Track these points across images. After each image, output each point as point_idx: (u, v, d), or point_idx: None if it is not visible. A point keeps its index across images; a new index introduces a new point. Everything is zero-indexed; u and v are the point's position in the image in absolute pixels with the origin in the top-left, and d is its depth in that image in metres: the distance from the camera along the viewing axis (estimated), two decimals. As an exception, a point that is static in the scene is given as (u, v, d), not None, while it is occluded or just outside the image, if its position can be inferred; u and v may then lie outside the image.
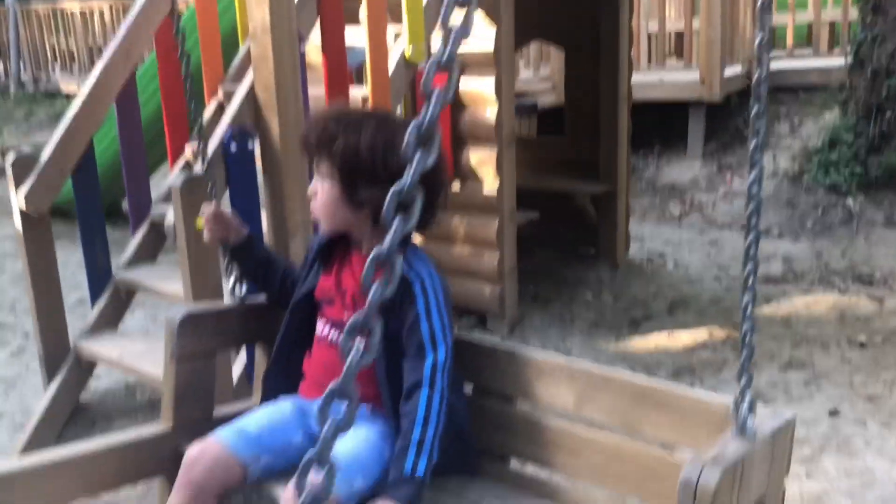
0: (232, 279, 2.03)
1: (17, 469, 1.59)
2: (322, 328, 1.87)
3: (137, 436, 1.87)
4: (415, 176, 0.86)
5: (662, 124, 7.37)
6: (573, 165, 5.07)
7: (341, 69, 3.02)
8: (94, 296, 3.48)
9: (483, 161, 3.82)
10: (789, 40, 7.98)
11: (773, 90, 7.58)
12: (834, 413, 3.26)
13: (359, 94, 3.22)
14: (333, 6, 2.96)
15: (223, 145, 2.73)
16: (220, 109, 3.74)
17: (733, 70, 7.20)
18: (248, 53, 3.83)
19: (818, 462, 2.91)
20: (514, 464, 1.88)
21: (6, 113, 11.59)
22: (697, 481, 1.21)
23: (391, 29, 3.34)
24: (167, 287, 3.32)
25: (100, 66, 3.40)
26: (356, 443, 1.69)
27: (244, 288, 2.04)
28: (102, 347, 3.33)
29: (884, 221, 5.66)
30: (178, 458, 1.85)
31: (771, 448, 1.39)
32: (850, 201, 5.81)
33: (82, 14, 11.50)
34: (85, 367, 3.42)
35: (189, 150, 2.38)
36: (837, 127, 6.22)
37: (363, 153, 1.71)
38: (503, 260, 3.92)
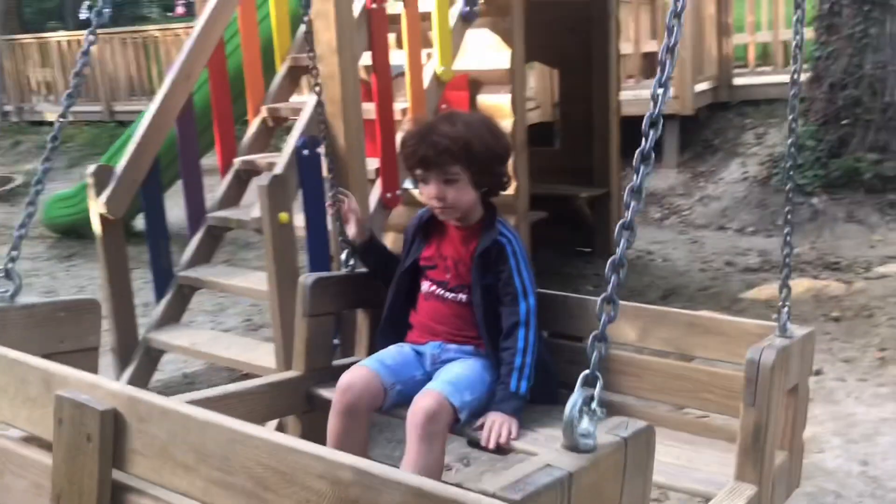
0: (345, 253, 2.45)
1: (174, 408, 1.83)
2: (428, 287, 2.27)
3: (278, 379, 2.26)
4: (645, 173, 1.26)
5: (638, 137, 7.92)
6: (566, 173, 5.59)
7: (388, 85, 3.48)
8: (160, 293, 3.84)
9: (501, 166, 4.30)
10: (751, 58, 8.64)
11: (738, 104, 8.24)
12: (818, 373, 3.77)
13: (399, 107, 3.68)
14: (381, 31, 3.43)
15: (296, 151, 3.16)
16: (265, 126, 4.18)
17: (702, 86, 7.81)
18: (285, 74, 4.29)
19: (808, 411, 3.41)
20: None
21: (-6, 143, 11.83)
22: (759, 358, 1.64)
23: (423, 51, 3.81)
24: (227, 282, 3.72)
25: (163, 89, 3.80)
26: (464, 368, 2.12)
27: (352, 262, 2.45)
28: (171, 338, 3.70)
29: (845, 217, 6.25)
30: (307, 398, 2.25)
31: (802, 346, 1.83)
32: (814, 200, 6.40)
33: (69, 43, 11.83)
34: (154, 356, 3.78)
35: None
36: (801, 134, 6.83)
37: (485, 149, 2.14)
38: (519, 254, 4.40)
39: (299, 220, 3.20)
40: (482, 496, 0.88)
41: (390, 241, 3.73)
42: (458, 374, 2.10)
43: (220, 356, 3.53)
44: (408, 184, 3.89)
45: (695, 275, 5.42)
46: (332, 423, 2.10)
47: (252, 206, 3.46)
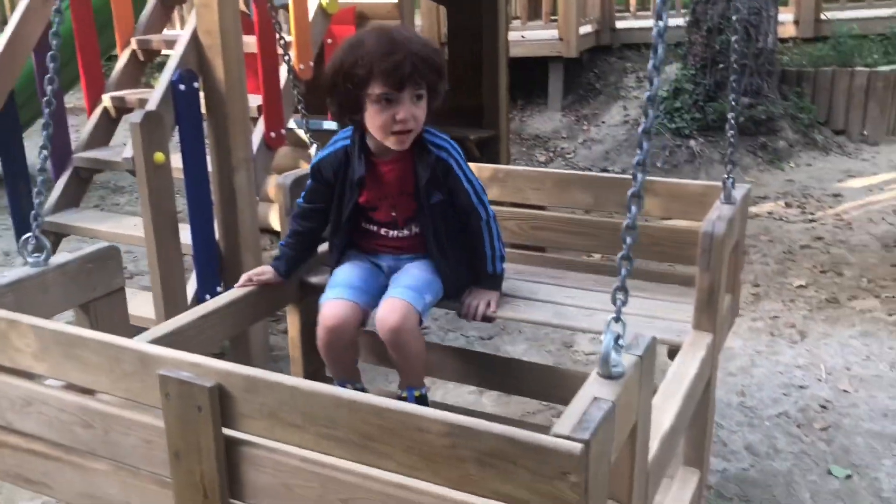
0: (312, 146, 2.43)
1: (179, 325, 1.92)
2: (376, 229, 2.22)
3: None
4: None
5: (525, 79, 7.95)
6: (455, 114, 5.50)
7: (269, 19, 3.27)
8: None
9: (389, 105, 4.18)
10: (632, 2, 8.76)
11: (620, 47, 8.36)
12: (697, 309, 3.92)
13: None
14: (262, -42, 3.21)
15: (172, 86, 2.94)
16: (135, 59, 3.89)
17: (585, 29, 7.86)
18: (156, 5, 3.99)
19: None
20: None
21: None
22: (713, 230, 1.89)
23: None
24: (98, 227, 3.47)
25: (17, 15, 3.44)
26: (419, 272, 2.16)
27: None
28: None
29: (720, 159, 6.49)
30: (301, 287, 2.37)
31: (742, 207, 2.11)
32: (692, 143, 6.61)
33: None
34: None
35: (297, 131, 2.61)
36: (679, 78, 7.00)
37: (442, 63, 2.03)
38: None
39: (177, 161, 3.00)
40: (561, 440, 1.07)
41: (272, 184, 3.56)
42: (416, 276, 2.15)
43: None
44: (292, 123, 3.72)
45: (580, 216, 5.51)
46: (323, 354, 2.16)
47: (123, 146, 3.22)
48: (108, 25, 3.89)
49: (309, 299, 2.36)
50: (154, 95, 2.93)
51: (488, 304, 2.17)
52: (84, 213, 3.73)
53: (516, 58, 7.57)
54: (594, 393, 1.20)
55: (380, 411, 1.18)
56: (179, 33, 3.38)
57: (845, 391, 3.18)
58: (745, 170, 6.34)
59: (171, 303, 2.94)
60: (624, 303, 1.32)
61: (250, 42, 3.31)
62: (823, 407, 3.07)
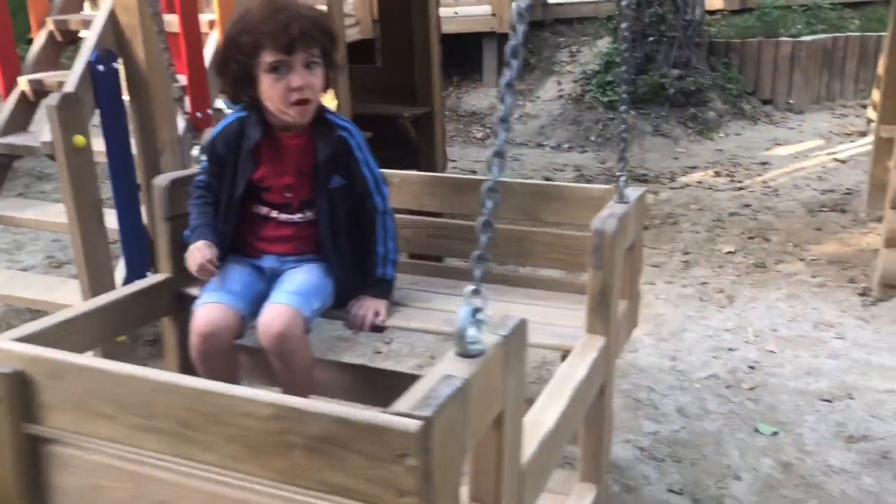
0: (196, 149, 2.23)
1: (41, 328, 1.66)
2: (267, 212, 2.06)
3: (147, 284, 2.09)
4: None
5: (458, 56, 7.94)
6: (389, 91, 5.48)
7: (191, -6, 3.20)
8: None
9: (319, 84, 4.13)
10: (563, -24, 8.79)
11: (552, 22, 8.40)
12: (630, 278, 4.00)
13: (205, 18, 3.41)
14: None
15: (90, 66, 2.85)
16: (53, 40, 3.76)
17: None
18: (73, -17, 3.86)
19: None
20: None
21: None
22: (603, 227, 1.81)
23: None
24: (22, 215, 3.37)
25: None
26: (308, 276, 2.01)
27: (204, 157, 2.18)
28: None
29: (651, 131, 6.60)
30: (178, 298, 2.15)
31: (637, 207, 2.04)
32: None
33: None
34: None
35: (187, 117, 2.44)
36: (610, 52, 7.09)
37: (333, 29, 1.97)
38: (343, 175, 4.29)
39: (100, 145, 2.92)
40: (397, 417, 0.95)
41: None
42: (302, 280, 2.00)
43: (18, 297, 3.21)
44: (220, 103, 3.65)
45: (516, 191, 5.55)
46: (198, 366, 1.95)
47: (42, 130, 3.12)
48: (23, 7, 3.75)
49: (188, 311, 2.13)
50: (71, 77, 2.84)
51: (377, 314, 2.02)
52: (6, 201, 3.61)
53: (450, 34, 7.55)
54: (446, 370, 1.07)
55: (200, 394, 1.07)
56: (98, 14, 3.27)
57: (771, 352, 3.28)
58: (676, 140, 6.46)
59: (98, 290, 2.87)
60: (484, 274, 1.18)
61: (172, 21, 3.23)
62: (751, 368, 3.17)
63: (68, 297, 3.01)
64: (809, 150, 6.22)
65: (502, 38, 7.76)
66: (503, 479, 1.23)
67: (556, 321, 2.03)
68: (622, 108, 2.14)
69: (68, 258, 4.36)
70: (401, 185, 2.38)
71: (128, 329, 2.13)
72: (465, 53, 7.94)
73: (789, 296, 3.78)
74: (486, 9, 7.59)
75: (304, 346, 1.93)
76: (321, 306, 2.00)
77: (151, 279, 2.16)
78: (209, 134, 2.14)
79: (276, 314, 1.89)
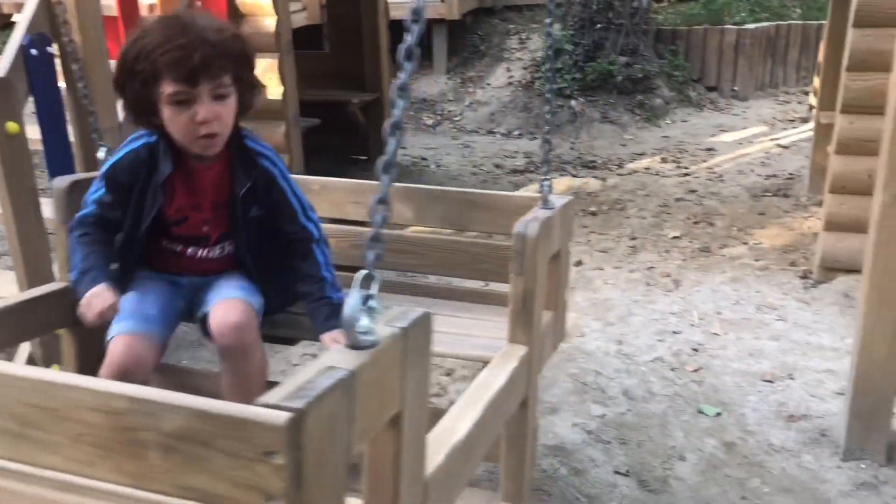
0: (102, 151, 2.13)
1: None
2: (180, 248, 1.88)
3: (42, 293, 1.92)
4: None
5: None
6: (337, 78, 5.43)
7: (130, -23, 3.12)
8: None
9: (265, 69, 4.07)
10: (513, -37, 8.80)
11: (502, 9, 8.40)
12: (578, 263, 4.03)
13: (145, 1, 3.33)
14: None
15: (23, 50, 2.76)
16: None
17: (467, -10, 7.87)
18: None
19: (571, 298, 3.64)
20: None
21: None
22: (525, 232, 1.72)
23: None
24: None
25: None
26: (240, 280, 1.90)
27: None
28: None
29: (600, 118, 6.66)
30: (75, 306, 1.89)
31: (562, 215, 1.96)
32: (573, 103, 6.74)
33: None
34: None
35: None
36: (559, 39, 7.11)
37: (250, 53, 1.77)
38: (292, 163, 4.23)
39: (35, 133, 2.83)
40: (264, 409, 0.84)
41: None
42: (237, 283, 1.89)
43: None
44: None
45: (467, 178, 5.55)
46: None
47: (-28, 117, 3.00)
48: (-47, -12, 3.62)
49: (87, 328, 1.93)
50: (2, 61, 2.74)
51: None
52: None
53: (399, 20, 7.51)
54: (330, 362, 0.96)
55: (42, 387, 0.94)
56: (30, -5, 3.16)
57: (715, 334, 3.35)
58: (624, 127, 6.53)
59: (35, 282, 2.78)
60: (378, 257, 1.08)
61: (110, 4, 3.15)
62: (695, 350, 3.22)
63: (4, 288, 2.92)
64: (753, 136, 6.34)
65: (452, 25, 7.74)
66: (401, 487, 1.11)
67: (480, 332, 1.97)
68: (546, 110, 2.03)
69: (4, 249, 4.23)
70: (321, 192, 2.27)
71: (21, 339, 1.99)
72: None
73: (733, 279, 3.85)
74: (435, -5, 7.55)
75: (260, 344, 1.82)
76: (259, 306, 1.88)
77: (48, 287, 1.97)
78: (108, 159, 1.89)
79: (230, 306, 1.78)
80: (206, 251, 1.90)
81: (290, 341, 2.34)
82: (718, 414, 2.80)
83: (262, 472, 0.83)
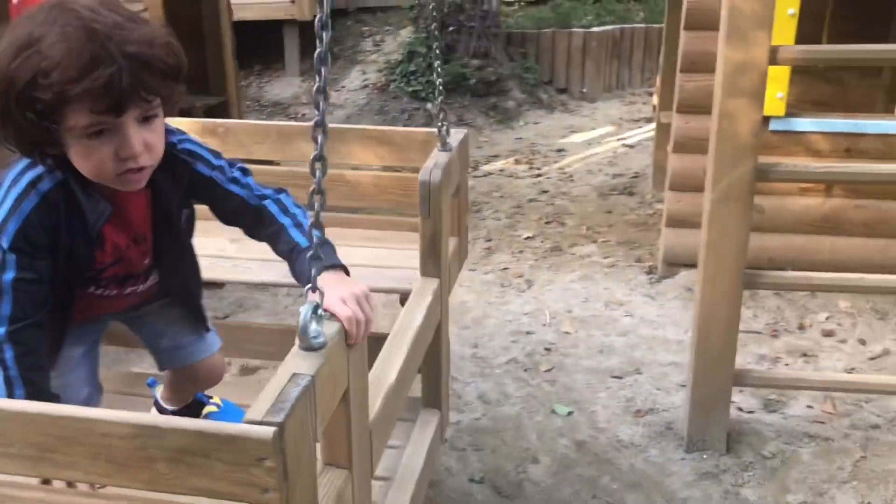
0: None
1: None
2: (107, 291, 1.57)
3: None
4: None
5: (259, 44, 7.66)
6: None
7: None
8: None
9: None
10: (365, -35, 8.72)
11: (356, 11, 8.31)
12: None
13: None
14: None
15: None
16: None
17: (319, -9, 7.71)
18: None
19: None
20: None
21: None
22: (430, 178, 1.89)
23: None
24: None
25: None
26: (193, 318, 1.80)
27: None
28: None
29: (455, 121, 6.67)
30: None
31: (460, 153, 2.15)
32: (428, 105, 6.74)
33: None
34: None
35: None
36: (413, 42, 7.10)
37: (182, 66, 1.39)
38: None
39: None
40: (252, 426, 1.03)
41: None
42: (191, 321, 1.80)
43: None
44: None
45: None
46: None
47: None
48: None
49: None
50: None
51: (358, 302, 1.31)
52: None
53: (248, 21, 7.27)
54: (293, 368, 1.15)
55: (56, 420, 1.09)
56: None
57: (567, 333, 3.39)
58: (479, 130, 6.58)
59: None
60: (319, 271, 1.22)
61: None
62: (548, 350, 3.26)
63: None
64: (602, 136, 6.54)
65: (304, 26, 7.56)
66: (354, 442, 1.36)
67: (392, 263, 2.25)
68: (436, 63, 2.17)
69: None
70: (226, 134, 2.39)
71: None
72: (267, 41, 7.67)
73: (583, 277, 3.93)
74: (284, -5, 7.37)
75: None
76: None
77: None
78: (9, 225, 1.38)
79: (216, 366, 1.89)
80: (143, 283, 1.61)
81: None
82: (570, 413, 2.83)
83: (256, 473, 1.04)
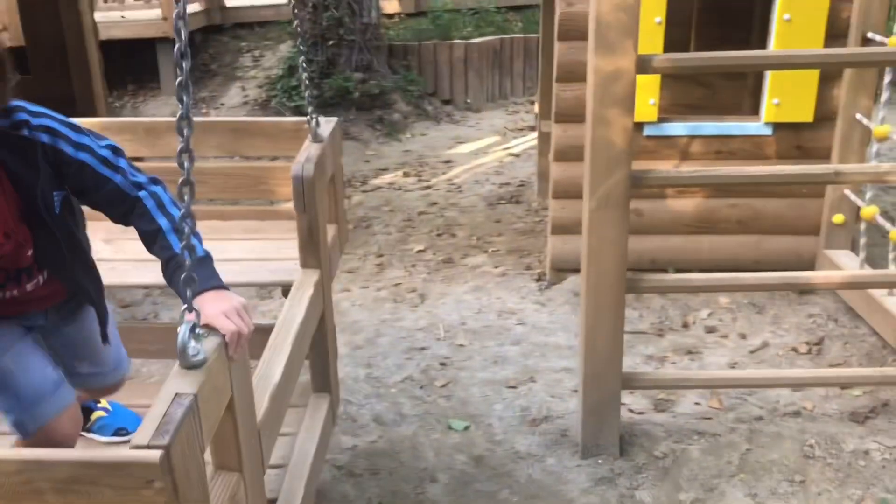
0: None
1: None
2: (10, 293, 1.63)
3: None
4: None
5: (132, 63, 7.37)
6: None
7: None
8: None
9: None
10: (240, -21, 8.53)
11: (232, 27, 8.11)
12: (324, 287, 3.92)
13: None
14: None
15: None
16: None
17: (193, 8, 7.48)
18: None
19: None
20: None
21: None
22: (302, 174, 1.92)
23: None
24: None
25: None
26: (91, 334, 1.82)
27: None
28: None
29: (341, 135, 6.60)
30: None
31: (332, 143, 2.19)
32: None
33: None
34: None
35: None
36: (293, 56, 6.98)
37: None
38: None
39: None
40: (138, 451, 1.05)
41: None
42: (95, 343, 1.82)
43: None
44: None
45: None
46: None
47: None
48: None
49: None
50: None
51: (238, 315, 1.35)
52: None
53: (119, 39, 6.98)
54: (175, 388, 1.17)
55: None
56: None
57: (461, 346, 3.38)
58: (366, 143, 6.53)
59: None
60: (195, 293, 1.27)
61: None
62: (443, 364, 3.23)
63: None
64: (488, 146, 6.60)
65: (178, 43, 7.32)
66: (242, 445, 1.37)
67: (272, 255, 2.26)
68: (301, 60, 2.25)
69: None
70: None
71: None
72: (141, 60, 7.38)
73: (475, 288, 3.93)
74: (156, 13, 7.11)
75: None
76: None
77: None
78: None
79: (117, 384, 2.00)
80: (41, 276, 1.64)
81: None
82: (467, 427, 2.81)
83: (147, 495, 1.05)
